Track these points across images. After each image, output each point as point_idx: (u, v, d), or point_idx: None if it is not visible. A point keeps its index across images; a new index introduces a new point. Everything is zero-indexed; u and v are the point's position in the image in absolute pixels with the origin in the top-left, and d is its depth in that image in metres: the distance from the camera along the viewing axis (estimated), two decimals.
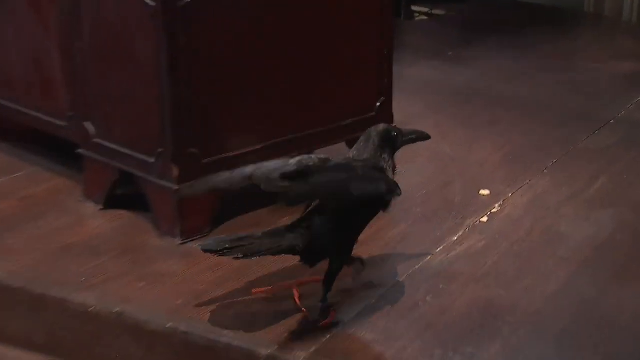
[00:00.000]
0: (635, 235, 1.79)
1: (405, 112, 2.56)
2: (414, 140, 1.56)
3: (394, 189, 1.45)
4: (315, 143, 1.95)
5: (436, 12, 3.82)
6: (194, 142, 1.72)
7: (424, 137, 1.57)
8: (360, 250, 1.72)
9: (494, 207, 1.92)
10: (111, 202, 1.91)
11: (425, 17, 3.80)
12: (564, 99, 2.69)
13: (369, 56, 1.97)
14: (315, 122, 1.91)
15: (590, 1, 3.75)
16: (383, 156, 1.50)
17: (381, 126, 1.53)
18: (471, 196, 1.98)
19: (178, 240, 1.76)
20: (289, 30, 1.82)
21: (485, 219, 1.87)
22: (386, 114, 2.05)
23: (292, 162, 1.41)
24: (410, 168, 2.15)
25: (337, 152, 2.05)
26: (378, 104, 2.03)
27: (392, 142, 1.52)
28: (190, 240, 1.76)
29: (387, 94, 2.04)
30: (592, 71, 2.95)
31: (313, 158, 1.44)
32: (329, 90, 1.93)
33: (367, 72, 1.98)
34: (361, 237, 1.77)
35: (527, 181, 2.06)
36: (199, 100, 1.71)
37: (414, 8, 3.84)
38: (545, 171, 2.13)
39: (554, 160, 2.19)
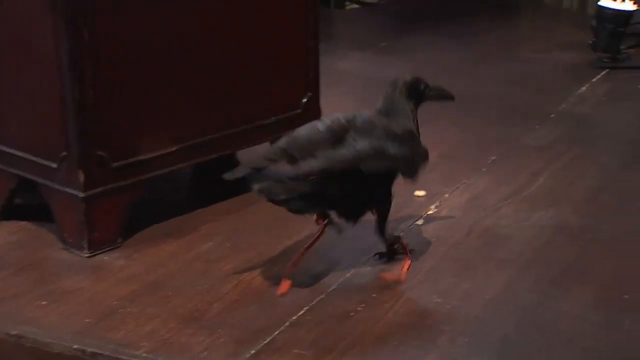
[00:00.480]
0: (576, 237, 1.86)
1: (335, 108, 2.57)
2: (438, 98, 1.68)
3: (413, 166, 1.59)
4: (237, 144, 1.96)
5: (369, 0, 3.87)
6: (101, 144, 1.72)
7: (449, 96, 1.69)
8: (286, 259, 1.75)
9: (430, 209, 1.97)
10: (9, 212, 1.88)
11: (356, 6, 3.85)
12: (503, 92, 2.77)
13: (292, 49, 2.00)
14: (236, 122, 1.93)
15: None
16: (410, 108, 1.62)
17: (409, 76, 1.65)
18: (406, 198, 2.02)
19: (85, 253, 1.74)
20: (205, 23, 1.83)
21: (420, 221, 1.91)
22: (313, 111, 2.08)
23: (321, 130, 1.53)
24: None
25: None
26: (304, 100, 2.05)
27: (419, 94, 1.64)
28: (100, 253, 1.75)
29: (313, 89, 2.07)
30: (532, 62, 3.05)
31: (341, 121, 1.56)
32: (249, 87, 1.94)
33: (291, 66, 2.01)
34: (287, 245, 1.80)
35: (465, 180, 2.12)
36: (106, 99, 1.70)
37: None
38: (484, 169, 2.19)
39: (493, 158, 2.25)
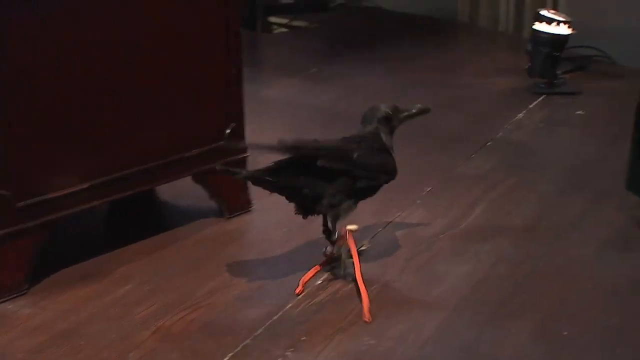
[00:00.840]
0: (514, 270, 1.87)
1: (263, 138, 2.56)
2: (413, 116, 1.82)
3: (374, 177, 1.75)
4: (155, 179, 1.93)
5: (297, 23, 3.88)
6: (3, 182, 1.66)
7: (425, 110, 1.83)
8: (208, 302, 1.72)
9: (363, 244, 1.96)
10: None
11: (285, 30, 3.86)
12: (439, 119, 2.79)
13: (214, 77, 1.98)
14: (153, 156, 1.89)
15: (465, 10, 3.93)
16: (382, 135, 1.78)
17: (375, 106, 1.81)
18: (337, 232, 2.01)
19: None
20: (117, 50, 1.80)
21: (351, 258, 1.90)
22: (238, 142, 2.06)
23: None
24: (266, 203, 2.16)
25: (186, 188, 2.04)
26: (228, 130, 2.03)
27: (388, 121, 1.81)
28: (4, 301, 1.69)
29: (238, 119, 2.05)
30: (468, 88, 3.09)
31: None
32: (167, 117, 1.91)
33: (213, 95, 1.99)
34: (211, 287, 1.77)
35: (399, 213, 2.12)
36: (8, 133, 1.66)
37: (272, 19, 3.89)
38: (418, 202, 2.20)
39: (429, 189, 2.26)
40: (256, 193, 2.18)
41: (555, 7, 3.48)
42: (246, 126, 2.10)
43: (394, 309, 1.71)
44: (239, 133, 2.06)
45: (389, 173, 1.76)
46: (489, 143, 2.58)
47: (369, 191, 1.78)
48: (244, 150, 2.08)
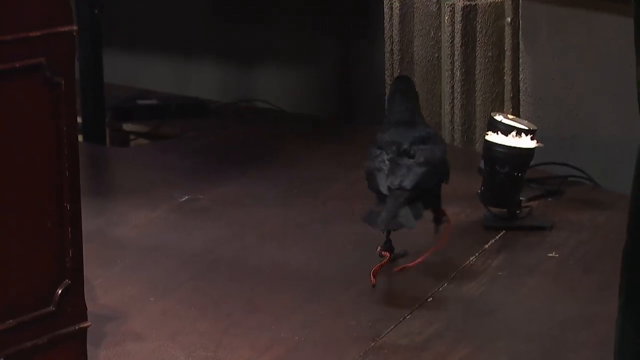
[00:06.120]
0: None
1: (115, 297, 2.55)
2: None
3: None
4: None
5: (163, 131, 3.91)
6: None
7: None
8: None
9: None
10: None
11: (146, 142, 3.88)
12: (358, 267, 2.81)
13: (36, 217, 1.97)
14: None
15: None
16: (417, 110, 2.86)
17: (401, 77, 2.91)
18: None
19: None
20: None
21: None
22: (75, 307, 2.05)
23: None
24: None
25: None
26: (59, 291, 2.02)
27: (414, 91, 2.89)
28: None
29: (74, 275, 2.04)
30: None
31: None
32: None
33: (34, 242, 1.98)
34: None
35: None
36: None
37: (128, 127, 3.91)
38: None
39: None
40: None
41: (514, 111, 3.56)
42: (88, 283, 2.09)
43: None
44: (75, 295, 2.05)
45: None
46: (429, 299, 2.61)
47: None
48: (83, 317, 2.06)
